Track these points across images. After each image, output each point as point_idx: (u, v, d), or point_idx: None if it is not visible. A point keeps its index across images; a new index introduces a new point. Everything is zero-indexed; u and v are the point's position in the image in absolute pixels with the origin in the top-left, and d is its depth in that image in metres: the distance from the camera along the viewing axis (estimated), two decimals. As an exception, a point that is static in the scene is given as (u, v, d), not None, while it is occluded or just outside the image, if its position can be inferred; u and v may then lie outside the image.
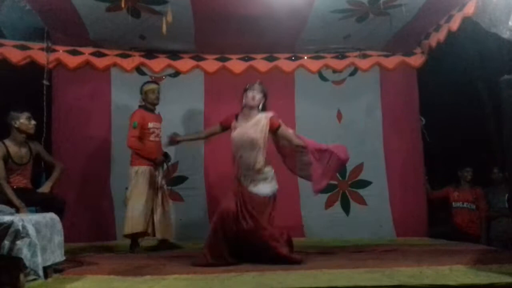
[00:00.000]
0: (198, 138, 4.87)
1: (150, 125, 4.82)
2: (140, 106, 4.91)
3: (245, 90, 4.00)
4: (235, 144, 3.93)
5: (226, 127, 4.12)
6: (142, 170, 4.73)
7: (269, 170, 3.93)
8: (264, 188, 3.86)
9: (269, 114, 3.99)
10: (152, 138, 4.83)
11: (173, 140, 4.50)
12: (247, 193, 3.81)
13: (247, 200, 3.78)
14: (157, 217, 4.76)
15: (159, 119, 5.01)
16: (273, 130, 3.97)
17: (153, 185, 4.76)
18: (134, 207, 4.62)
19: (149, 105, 4.90)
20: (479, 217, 5.58)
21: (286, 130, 4.02)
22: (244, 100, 3.98)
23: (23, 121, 4.20)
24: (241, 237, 3.71)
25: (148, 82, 5.11)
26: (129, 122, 4.80)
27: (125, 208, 4.78)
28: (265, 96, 4.03)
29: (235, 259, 3.72)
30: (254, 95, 3.94)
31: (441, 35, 5.09)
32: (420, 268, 3.25)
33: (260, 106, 4.00)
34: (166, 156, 4.95)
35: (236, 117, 4.05)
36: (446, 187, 5.81)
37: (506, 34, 3.86)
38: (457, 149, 5.67)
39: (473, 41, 4.89)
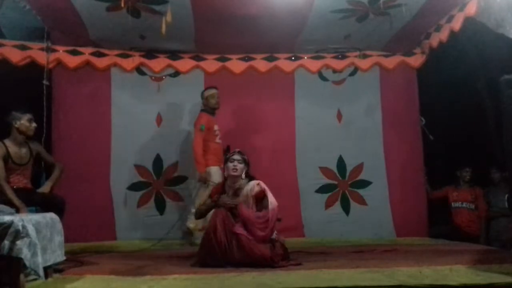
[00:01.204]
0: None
1: (215, 127, 5.15)
2: (202, 110, 5.19)
3: (226, 161, 3.97)
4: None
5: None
6: (214, 170, 5.02)
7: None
8: None
9: (255, 183, 3.82)
10: (217, 140, 5.16)
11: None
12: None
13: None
14: None
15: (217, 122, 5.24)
16: (259, 199, 3.83)
17: None
18: None
19: (210, 109, 5.15)
20: (479, 217, 5.58)
21: (267, 199, 3.82)
22: (226, 171, 3.95)
23: (24, 122, 4.19)
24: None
25: (209, 88, 5.32)
26: (194, 126, 5.11)
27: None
28: (247, 164, 3.96)
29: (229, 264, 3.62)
30: (236, 166, 3.89)
31: (442, 35, 5.09)
32: (420, 268, 3.25)
33: (243, 175, 3.93)
34: (228, 150, 4.90)
35: (223, 186, 3.99)
36: (446, 187, 5.81)
37: None
38: (457, 149, 5.66)
39: (473, 41, 4.89)
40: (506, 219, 5.27)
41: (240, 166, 3.91)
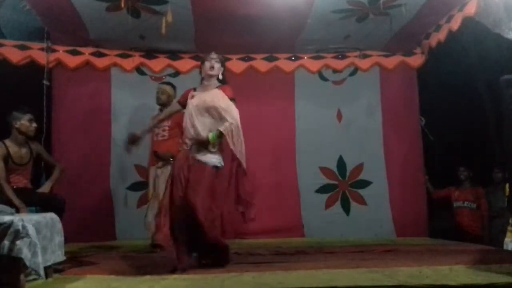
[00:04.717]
0: (160, 121, 4.44)
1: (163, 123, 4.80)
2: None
3: (202, 62, 3.89)
4: (189, 112, 3.75)
5: (184, 103, 3.89)
6: (151, 169, 4.85)
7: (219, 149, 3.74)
8: (212, 158, 3.66)
9: (225, 87, 3.82)
10: (159, 138, 4.84)
11: (135, 138, 4.11)
12: (193, 161, 3.64)
13: (191, 169, 3.61)
14: None
15: None
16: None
17: None
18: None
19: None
20: (481, 216, 5.58)
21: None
22: (202, 71, 3.88)
23: (24, 122, 4.20)
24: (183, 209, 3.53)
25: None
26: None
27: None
28: (223, 65, 3.90)
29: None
30: (213, 65, 3.82)
31: (441, 35, 5.09)
32: (420, 268, 3.25)
33: (220, 77, 3.87)
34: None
35: (194, 90, 3.92)
36: (448, 186, 5.81)
37: (509, 35, 3.87)
38: (457, 149, 5.67)
39: (473, 41, 4.90)
40: (505, 219, 5.27)
41: (217, 65, 3.84)
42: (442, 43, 5.14)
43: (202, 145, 3.66)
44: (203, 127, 3.66)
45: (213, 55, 3.85)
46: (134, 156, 5.60)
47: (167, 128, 4.73)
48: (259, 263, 3.70)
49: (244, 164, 3.72)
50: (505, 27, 3.91)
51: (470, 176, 5.69)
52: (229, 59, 5.79)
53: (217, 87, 3.80)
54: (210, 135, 3.61)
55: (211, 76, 3.83)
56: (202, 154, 3.66)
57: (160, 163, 4.70)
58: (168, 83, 5.06)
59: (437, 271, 3.15)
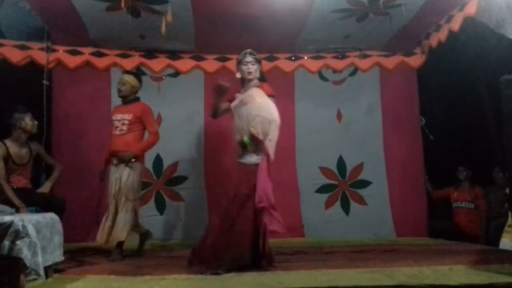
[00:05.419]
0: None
1: (114, 117, 4.52)
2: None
3: (239, 63, 3.88)
4: (235, 115, 3.78)
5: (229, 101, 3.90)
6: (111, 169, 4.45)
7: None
8: (252, 158, 3.64)
9: (263, 84, 3.85)
10: (117, 131, 4.47)
11: (223, 88, 3.81)
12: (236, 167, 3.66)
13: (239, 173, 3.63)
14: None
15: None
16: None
17: None
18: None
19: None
20: (478, 216, 5.58)
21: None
22: (240, 73, 3.88)
23: (28, 121, 4.24)
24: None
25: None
26: (153, 118, 4.59)
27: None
28: (259, 63, 3.90)
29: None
30: (250, 69, 3.83)
31: (442, 35, 5.09)
32: (420, 268, 3.25)
33: (258, 74, 3.88)
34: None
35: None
36: (448, 187, 5.81)
37: None
38: (457, 149, 5.66)
39: (473, 41, 4.88)
40: (504, 220, 5.27)
41: (253, 67, 3.84)
42: (443, 43, 5.14)
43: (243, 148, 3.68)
44: (239, 129, 3.68)
45: (248, 58, 3.85)
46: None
47: (126, 122, 4.37)
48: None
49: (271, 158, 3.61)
50: (509, 27, 3.91)
51: (470, 176, 5.69)
52: (229, 59, 5.80)
53: (256, 86, 3.80)
54: (245, 138, 3.62)
55: (250, 79, 3.85)
56: (246, 156, 3.66)
57: (115, 161, 4.32)
58: (131, 73, 4.75)
59: (437, 271, 3.15)
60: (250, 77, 3.83)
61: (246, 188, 3.52)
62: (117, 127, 4.41)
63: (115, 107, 4.66)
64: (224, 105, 3.91)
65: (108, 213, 4.26)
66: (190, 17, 4.73)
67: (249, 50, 3.91)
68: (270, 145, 3.57)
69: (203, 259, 3.50)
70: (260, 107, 3.64)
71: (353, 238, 5.35)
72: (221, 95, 3.83)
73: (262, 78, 3.93)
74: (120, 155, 4.26)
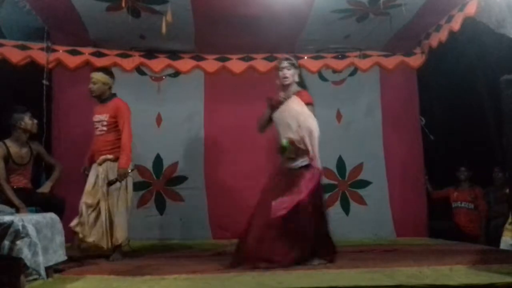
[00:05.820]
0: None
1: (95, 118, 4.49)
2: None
3: (277, 69, 3.90)
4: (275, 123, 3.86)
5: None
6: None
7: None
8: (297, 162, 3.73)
9: (302, 92, 3.85)
10: (97, 132, 4.45)
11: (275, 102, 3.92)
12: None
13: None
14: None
15: None
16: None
17: None
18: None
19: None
20: (478, 216, 5.58)
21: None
22: (278, 81, 3.88)
23: (28, 120, 4.24)
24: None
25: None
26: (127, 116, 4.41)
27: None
28: (296, 67, 3.88)
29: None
30: (285, 74, 3.82)
31: (442, 35, 5.09)
32: (420, 268, 3.25)
33: (296, 78, 3.87)
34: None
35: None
36: (448, 187, 5.81)
37: None
38: (457, 149, 5.66)
39: (473, 41, 4.89)
40: (504, 220, 5.26)
41: (289, 72, 3.83)
42: (443, 43, 5.14)
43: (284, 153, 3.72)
44: (281, 136, 3.75)
45: (284, 63, 3.83)
46: (134, 156, 5.62)
47: (105, 122, 4.33)
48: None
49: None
50: (510, 27, 3.90)
51: (470, 176, 5.69)
52: (229, 59, 5.81)
53: (294, 93, 3.81)
54: (284, 141, 3.68)
55: (288, 86, 3.84)
56: (290, 162, 3.73)
57: (100, 159, 4.30)
58: (102, 69, 4.55)
59: (437, 271, 3.15)
60: (285, 82, 3.82)
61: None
62: (97, 128, 4.38)
63: (95, 107, 4.55)
64: (267, 114, 3.95)
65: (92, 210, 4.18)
66: (190, 17, 4.73)
67: (286, 55, 3.92)
68: (314, 154, 3.71)
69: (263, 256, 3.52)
70: (297, 116, 3.72)
71: (353, 238, 5.34)
72: (272, 109, 3.89)
73: (302, 84, 3.92)
74: (120, 179, 4.22)
